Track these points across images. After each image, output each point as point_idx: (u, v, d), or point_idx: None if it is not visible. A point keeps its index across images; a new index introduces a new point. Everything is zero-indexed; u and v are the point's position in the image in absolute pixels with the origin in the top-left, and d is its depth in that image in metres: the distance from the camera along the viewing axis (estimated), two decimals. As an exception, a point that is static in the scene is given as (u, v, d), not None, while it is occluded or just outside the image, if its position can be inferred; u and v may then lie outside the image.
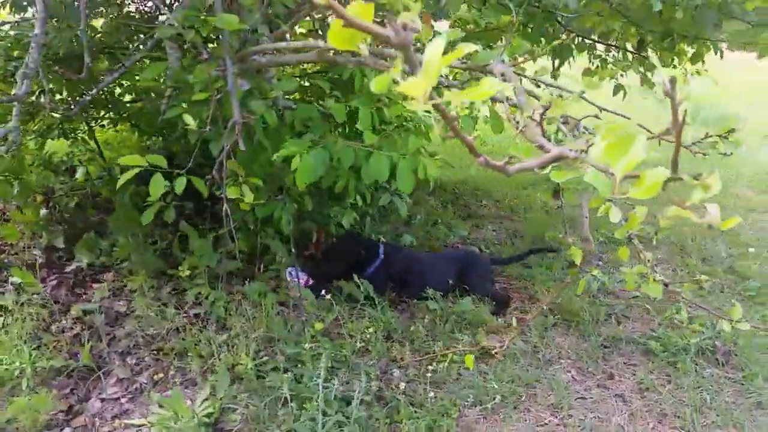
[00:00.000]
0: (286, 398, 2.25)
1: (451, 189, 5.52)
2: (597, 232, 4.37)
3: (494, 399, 2.43)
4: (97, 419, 2.29)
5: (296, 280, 3.14)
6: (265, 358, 2.60)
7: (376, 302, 3.03)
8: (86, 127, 3.97)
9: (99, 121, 4.09)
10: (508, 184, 5.72)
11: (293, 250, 2.75)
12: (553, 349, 2.89)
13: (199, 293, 3.03)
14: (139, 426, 2.23)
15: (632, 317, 3.29)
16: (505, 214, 4.95)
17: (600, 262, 3.99)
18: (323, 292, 2.88)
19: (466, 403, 2.42)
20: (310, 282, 3.21)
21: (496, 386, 2.53)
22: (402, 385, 2.35)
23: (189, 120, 2.10)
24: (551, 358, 2.84)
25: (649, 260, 1.89)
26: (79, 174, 3.51)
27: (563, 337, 3.03)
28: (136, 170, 2.06)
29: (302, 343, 2.64)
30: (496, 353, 2.58)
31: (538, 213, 4.92)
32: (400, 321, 3.02)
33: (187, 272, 3.07)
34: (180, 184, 2.10)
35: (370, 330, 2.76)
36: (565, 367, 2.78)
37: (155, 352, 2.68)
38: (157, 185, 2.05)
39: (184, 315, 2.91)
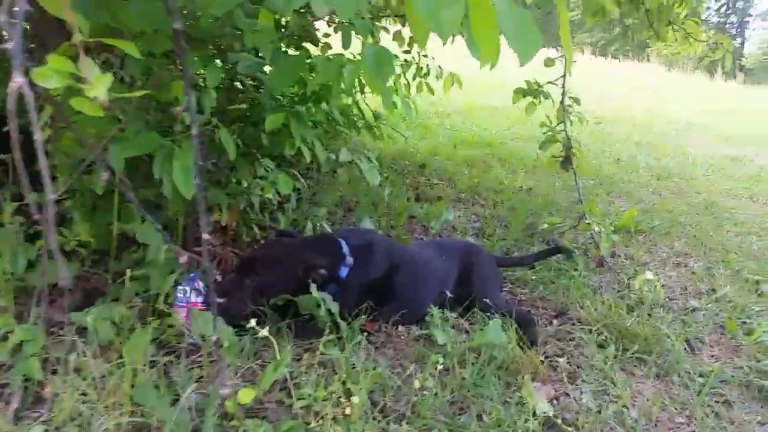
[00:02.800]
0: None
1: (388, 164, 4.24)
2: (596, 218, 3.32)
3: None
4: None
5: (197, 303, 1.69)
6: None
7: (344, 335, 1.68)
8: None
9: None
10: (455, 161, 4.55)
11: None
12: (643, 404, 1.73)
13: (-12, 327, 1.49)
14: None
15: (706, 340, 2.24)
16: (468, 197, 3.76)
17: (625, 259, 2.93)
18: (252, 322, 1.45)
19: None
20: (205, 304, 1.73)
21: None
22: None
23: None
24: (647, 425, 1.67)
25: None
26: None
27: (642, 381, 1.88)
28: None
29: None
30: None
31: (510, 194, 3.80)
32: (389, 368, 1.69)
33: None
34: None
35: (354, 399, 1.39)
36: (680, 439, 1.63)
37: None
38: None
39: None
